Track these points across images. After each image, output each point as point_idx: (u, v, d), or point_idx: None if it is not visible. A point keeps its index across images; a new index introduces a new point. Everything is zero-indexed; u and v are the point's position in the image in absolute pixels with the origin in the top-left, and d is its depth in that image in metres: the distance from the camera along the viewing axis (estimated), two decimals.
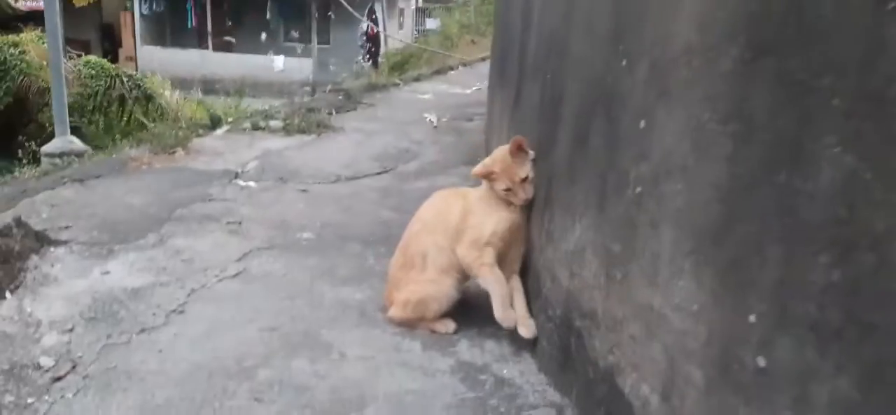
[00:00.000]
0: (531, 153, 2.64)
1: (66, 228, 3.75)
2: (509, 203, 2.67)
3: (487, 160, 2.73)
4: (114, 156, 5.33)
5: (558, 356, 2.35)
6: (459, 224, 2.71)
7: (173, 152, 5.33)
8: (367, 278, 3.25)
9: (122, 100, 12.64)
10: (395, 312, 2.81)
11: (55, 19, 5.83)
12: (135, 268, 3.25)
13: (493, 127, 4.12)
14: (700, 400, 1.57)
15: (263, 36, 22.26)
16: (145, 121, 10.56)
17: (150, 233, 3.68)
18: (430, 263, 2.75)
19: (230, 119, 6.55)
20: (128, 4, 25.11)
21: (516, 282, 2.71)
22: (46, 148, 5.78)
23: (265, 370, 2.45)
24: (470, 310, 2.79)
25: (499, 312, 2.60)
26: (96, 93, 12.44)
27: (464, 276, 2.74)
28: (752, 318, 1.42)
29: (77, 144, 5.78)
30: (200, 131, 6.07)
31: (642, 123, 1.80)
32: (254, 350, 2.57)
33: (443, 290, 2.73)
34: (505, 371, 2.49)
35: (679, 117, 1.64)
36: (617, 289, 1.93)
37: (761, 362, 1.40)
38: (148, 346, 2.59)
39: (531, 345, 2.59)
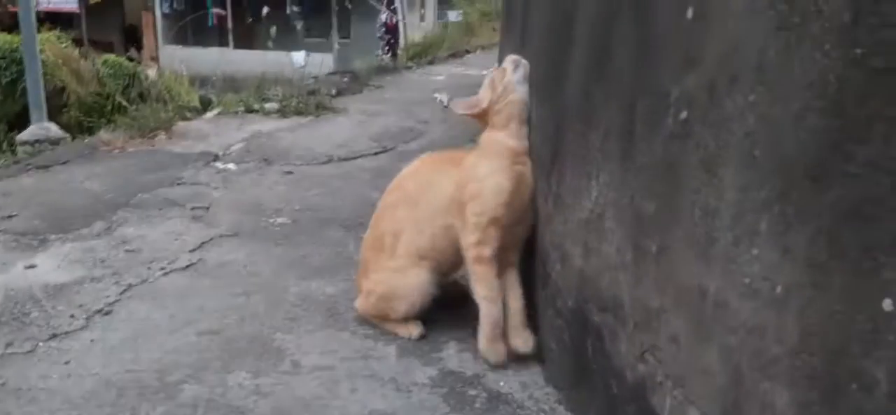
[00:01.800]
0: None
1: (9, 217, 3.25)
2: (513, 156, 2.03)
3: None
4: (86, 141, 4.84)
5: (571, 364, 1.75)
6: (458, 197, 2.05)
7: (153, 136, 4.82)
8: (342, 269, 2.67)
9: (141, 97, 12.36)
10: (359, 303, 2.24)
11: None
12: (67, 260, 2.72)
13: None
14: None
15: (273, 33, 21.85)
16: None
17: (99, 221, 3.16)
18: (402, 246, 2.14)
19: (222, 102, 6.02)
20: (149, 4, 24.94)
21: (512, 277, 2.07)
22: (21, 136, 5.31)
23: (192, 387, 1.89)
24: (458, 305, 2.19)
25: (485, 341, 1.98)
26: (115, 93, 12.16)
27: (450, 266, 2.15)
28: (887, 304, 0.82)
29: (54, 130, 5.31)
30: (187, 114, 5.55)
31: (690, 11, 1.19)
32: (184, 360, 2.02)
33: (415, 283, 2.11)
34: (501, 384, 1.89)
35: None
36: (650, 268, 1.32)
37: None
38: (54, 356, 2.05)
39: (538, 348, 1.98)
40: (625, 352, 1.43)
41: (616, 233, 1.45)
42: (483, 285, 1.99)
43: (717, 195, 1.11)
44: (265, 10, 22.39)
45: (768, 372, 1.00)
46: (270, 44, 19.73)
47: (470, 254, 1.99)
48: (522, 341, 2.00)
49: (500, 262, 2.02)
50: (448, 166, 2.17)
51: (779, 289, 0.98)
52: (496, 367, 1.96)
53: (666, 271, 1.26)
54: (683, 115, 1.20)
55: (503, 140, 2.05)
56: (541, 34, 2.21)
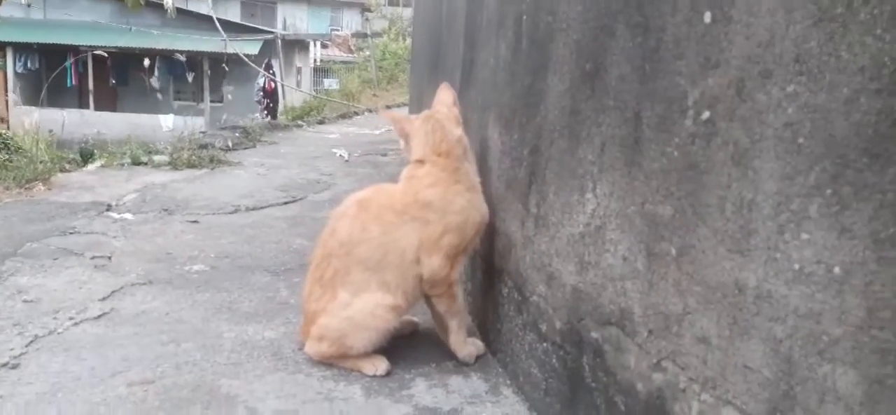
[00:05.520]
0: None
1: None
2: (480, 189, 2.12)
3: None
4: None
5: (559, 387, 1.70)
6: (430, 236, 1.99)
7: (30, 187, 4.38)
8: (280, 313, 2.49)
9: None
10: (310, 347, 2.08)
11: None
12: None
13: None
14: None
15: (156, 83, 20.94)
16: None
17: None
18: (368, 302, 2.01)
19: (105, 154, 5.59)
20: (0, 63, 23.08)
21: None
22: None
23: None
24: (419, 339, 2.10)
25: (461, 345, 2.08)
26: None
27: (413, 298, 2.06)
28: None
29: None
30: (67, 166, 5.10)
31: (708, 16, 1.22)
32: (119, 413, 1.77)
33: (375, 318, 2.00)
34: None
35: None
36: (669, 271, 1.31)
37: None
38: None
39: (513, 376, 1.93)
40: (635, 364, 1.40)
41: (622, 242, 1.44)
42: (456, 302, 2.05)
43: (753, 187, 1.12)
44: (147, 62, 21.47)
45: (828, 355, 1.00)
46: (159, 96, 18.88)
47: (443, 282, 1.99)
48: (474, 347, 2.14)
49: None
50: (397, 217, 2.02)
51: (836, 269, 0.99)
52: (476, 358, 2.10)
53: (689, 272, 1.26)
54: (706, 114, 1.22)
55: (471, 174, 2.10)
56: (498, 69, 2.23)
